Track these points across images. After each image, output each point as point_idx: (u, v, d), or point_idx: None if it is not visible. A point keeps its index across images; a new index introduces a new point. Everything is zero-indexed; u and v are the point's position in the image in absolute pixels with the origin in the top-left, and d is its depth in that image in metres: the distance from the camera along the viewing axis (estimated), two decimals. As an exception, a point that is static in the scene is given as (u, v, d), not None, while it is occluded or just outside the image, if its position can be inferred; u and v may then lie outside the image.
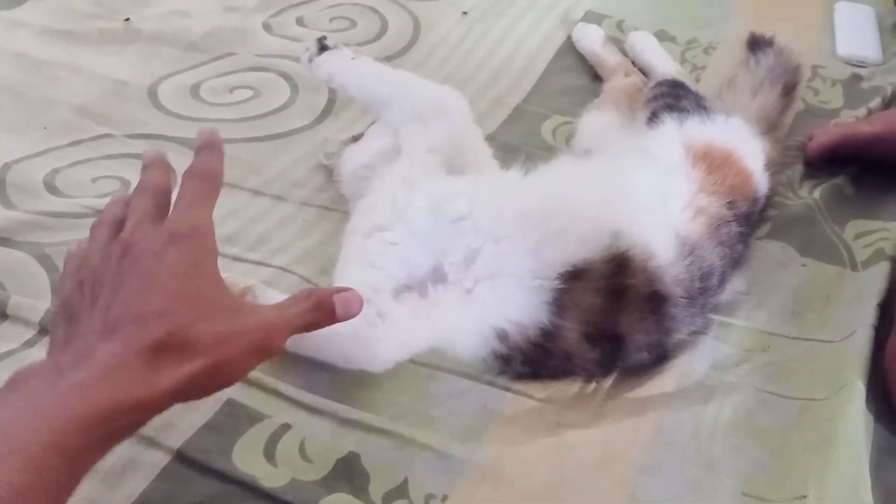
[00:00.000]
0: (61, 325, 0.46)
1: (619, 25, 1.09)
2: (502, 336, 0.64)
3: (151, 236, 0.45)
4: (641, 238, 0.64)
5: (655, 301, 0.64)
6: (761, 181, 0.78)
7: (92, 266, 0.46)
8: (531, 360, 0.64)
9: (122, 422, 0.40)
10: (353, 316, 0.49)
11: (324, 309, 0.48)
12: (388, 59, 1.02)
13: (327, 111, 0.93)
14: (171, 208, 0.49)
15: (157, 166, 0.53)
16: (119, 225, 0.48)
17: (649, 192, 0.69)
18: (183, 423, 0.59)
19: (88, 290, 0.45)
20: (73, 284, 0.47)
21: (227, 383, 0.45)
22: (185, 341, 0.41)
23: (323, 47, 0.80)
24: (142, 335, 0.40)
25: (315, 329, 0.49)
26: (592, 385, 0.65)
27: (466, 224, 0.65)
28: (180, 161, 0.80)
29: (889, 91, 0.99)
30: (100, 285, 0.44)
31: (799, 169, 0.88)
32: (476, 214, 0.65)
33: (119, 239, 0.46)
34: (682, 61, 1.05)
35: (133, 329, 0.41)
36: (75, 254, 0.50)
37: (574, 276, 0.62)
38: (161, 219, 0.48)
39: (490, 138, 0.89)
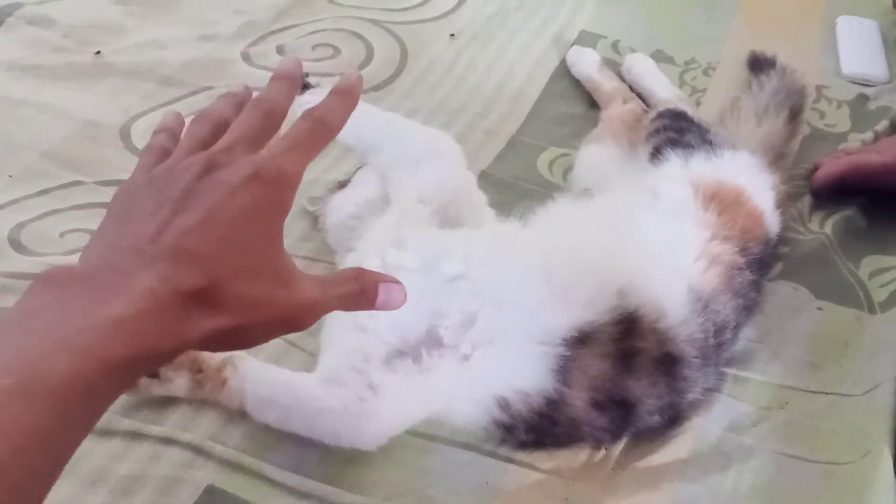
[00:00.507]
0: (114, 216, 0.42)
1: (615, 46, 1.05)
2: (503, 405, 0.59)
3: (237, 166, 0.41)
4: (651, 295, 0.60)
5: (668, 363, 0.60)
6: (773, 221, 0.74)
7: (170, 168, 0.42)
8: (535, 429, 0.60)
9: (144, 368, 0.38)
10: (395, 308, 0.46)
11: (367, 296, 0.45)
12: (376, 88, 0.97)
13: (311, 149, 0.88)
14: (275, 140, 0.44)
15: (285, 82, 0.46)
16: (220, 128, 0.44)
17: (658, 242, 0.65)
18: (160, 514, 0.55)
19: (154, 194, 0.41)
20: (143, 179, 0.43)
21: (245, 346, 0.43)
22: (220, 296, 0.39)
23: (305, 86, 0.75)
24: (182, 277, 0.38)
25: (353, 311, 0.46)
26: (601, 452, 0.61)
27: (463, 284, 0.60)
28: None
29: (897, 111, 0.95)
30: (167, 195, 0.41)
31: (808, 199, 0.84)
32: (473, 274, 0.60)
33: (207, 154, 0.42)
34: (682, 83, 1.00)
35: (176, 267, 0.38)
36: (158, 147, 0.45)
37: (580, 341, 0.58)
38: (259, 146, 0.43)
39: (484, 175, 0.85)
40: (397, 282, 0.46)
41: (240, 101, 0.46)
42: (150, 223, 0.39)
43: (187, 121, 0.47)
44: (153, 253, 0.38)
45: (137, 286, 0.37)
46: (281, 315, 0.41)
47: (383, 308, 0.45)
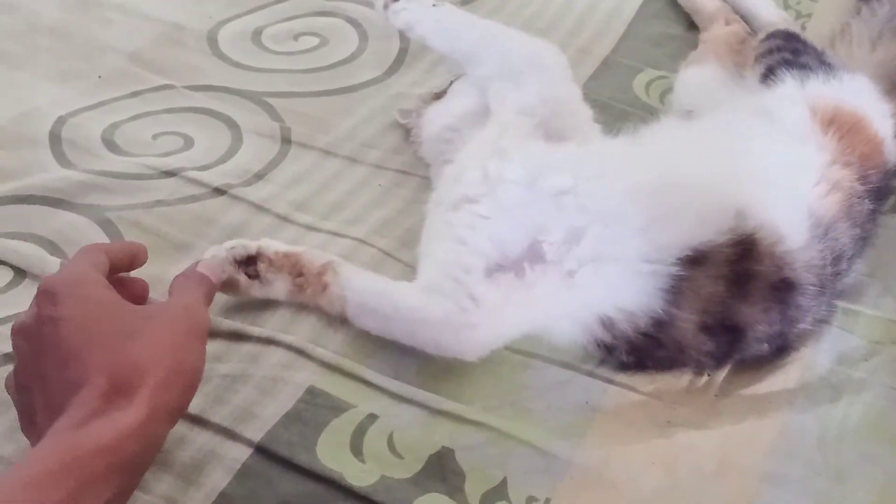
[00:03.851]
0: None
1: (716, -34, 0.98)
2: (607, 324, 0.58)
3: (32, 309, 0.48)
4: (770, 218, 0.57)
5: (784, 290, 0.57)
6: (892, 150, 0.69)
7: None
8: (637, 351, 0.58)
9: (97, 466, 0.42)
10: None
11: None
12: (463, 2, 0.94)
13: (399, 61, 0.85)
14: None
15: None
16: None
17: (777, 164, 0.61)
18: (262, 412, 0.55)
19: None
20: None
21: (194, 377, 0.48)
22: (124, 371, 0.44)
23: None
24: (91, 391, 0.43)
25: None
26: (703, 378, 0.59)
27: (569, 200, 0.58)
28: (244, 114, 0.76)
29: None
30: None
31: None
32: (581, 190, 0.58)
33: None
34: (786, 7, 0.95)
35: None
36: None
37: (694, 261, 0.56)
38: None
39: (578, 94, 0.82)
40: None
41: None
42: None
43: None
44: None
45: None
46: (172, 331, 0.49)
47: None
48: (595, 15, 0.92)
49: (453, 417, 0.56)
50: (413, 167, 0.73)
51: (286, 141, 0.75)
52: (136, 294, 0.57)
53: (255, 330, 0.59)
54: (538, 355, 0.60)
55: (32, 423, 0.47)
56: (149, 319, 0.48)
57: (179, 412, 0.49)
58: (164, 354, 0.46)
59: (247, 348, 0.58)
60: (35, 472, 0.41)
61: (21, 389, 0.48)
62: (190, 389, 0.48)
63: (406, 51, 0.86)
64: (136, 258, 0.57)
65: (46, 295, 0.48)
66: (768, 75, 0.72)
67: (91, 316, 0.47)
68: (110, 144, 0.74)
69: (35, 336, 0.47)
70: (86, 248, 0.54)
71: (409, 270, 0.63)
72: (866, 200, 0.64)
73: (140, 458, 0.45)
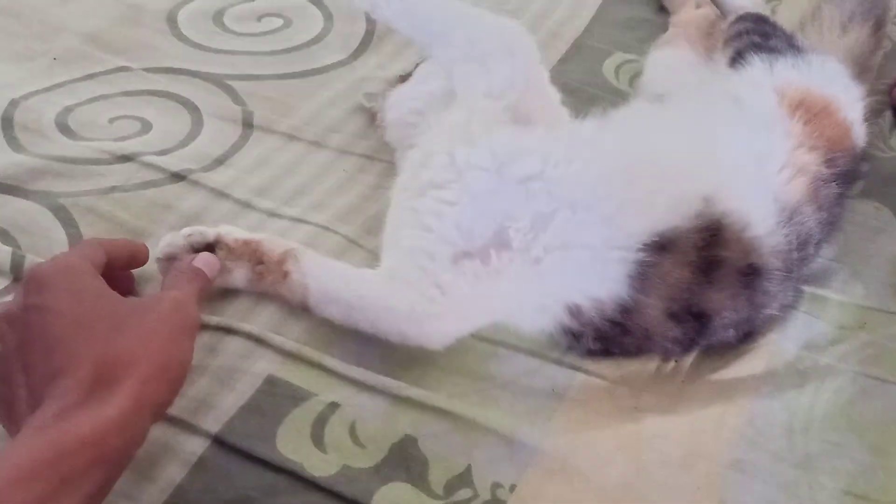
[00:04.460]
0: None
1: (687, -52, 0.98)
2: (574, 311, 0.57)
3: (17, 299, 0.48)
4: (737, 204, 0.57)
5: (750, 275, 0.57)
6: (860, 134, 0.69)
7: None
8: (604, 338, 0.58)
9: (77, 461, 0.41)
10: None
11: None
12: (430, -16, 0.91)
13: (365, 44, 0.83)
14: None
15: None
16: None
17: (743, 149, 0.61)
18: (220, 403, 0.53)
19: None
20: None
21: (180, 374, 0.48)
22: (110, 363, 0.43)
23: None
24: (75, 380, 0.43)
25: None
26: (670, 365, 0.59)
27: (537, 185, 0.57)
28: (205, 97, 0.74)
29: None
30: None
31: (889, 116, 0.79)
32: (549, 175, 0.57)
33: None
34: (757, -9, 0.94)
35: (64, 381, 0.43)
36: None
37: (661, 247, 0.55)
38: None
39: (547, 78, 0.80)
40: None
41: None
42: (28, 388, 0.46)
43: None
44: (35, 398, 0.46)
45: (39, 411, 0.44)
46: (169, 323, 0.49)
47: None
48: (565, -3, 0.91)
49: (417, 405, 0.55)
50: (378, 152, 0.72)
51: (248, 125, 0.73)
52: (123, 287, 0.55)
53: (212, 319, 0.57)
54: (505, 343, 0.59)
55: (12, 414, 0.45)
56: (139, 313, 0.47)
57: (164, 407, 0.48)
58: (152, 348, 0.45)
59: (204, 338, 0.56)
60: (14, 466, 0.39)
61: (2, 378, 0.46)
62: (176, 385, 0.48)
63: (372, 33, 0.84)
64: (135, 257, 0.56)
65: (34, 283, 0.46)
66: (737, 59, 0.71)
67: (79, 306, 0.46)
68: (64, 128, 0.71)
69: (21, 324, 0.46)
70: (84, 240, 0.53)
71: (372, 258, 0.62)
72: (833, 184, 0.63)
73: (122, 452, 0.44)
